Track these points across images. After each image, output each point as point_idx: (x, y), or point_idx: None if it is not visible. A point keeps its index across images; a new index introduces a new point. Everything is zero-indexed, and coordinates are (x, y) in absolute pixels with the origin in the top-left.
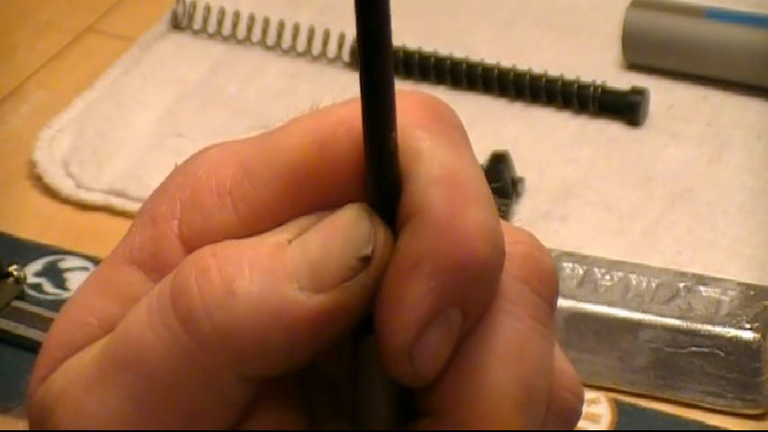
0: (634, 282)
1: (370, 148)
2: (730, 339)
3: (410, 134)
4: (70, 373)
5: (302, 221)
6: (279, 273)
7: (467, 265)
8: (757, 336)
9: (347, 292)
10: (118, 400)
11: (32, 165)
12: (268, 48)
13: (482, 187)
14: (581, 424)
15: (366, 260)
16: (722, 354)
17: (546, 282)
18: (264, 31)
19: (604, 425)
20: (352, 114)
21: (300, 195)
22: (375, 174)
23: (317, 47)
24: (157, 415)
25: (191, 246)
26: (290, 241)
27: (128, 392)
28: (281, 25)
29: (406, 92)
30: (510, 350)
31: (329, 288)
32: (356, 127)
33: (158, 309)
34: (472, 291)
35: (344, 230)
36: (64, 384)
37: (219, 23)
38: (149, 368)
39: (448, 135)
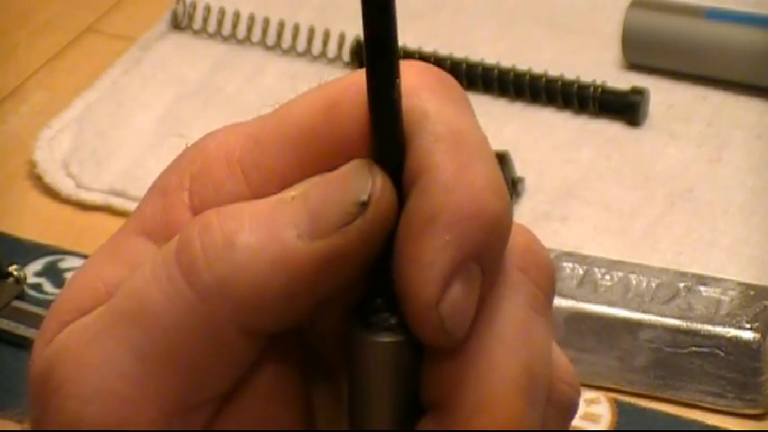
0: (634, 282)
1: (374, 94)
2: (730, 339)
3: (416, 94)
4: (73, 332)
5: (308, 181)
6: (279, 223)
7: (479, 216)
8: (757, 336)
9: (345, 237)
10: (119, 353)
11: (32, 165)
12: (268, 48)
13: (486, 145)
14: (581, 424)
15: (363, 205)
16: (722, 354)
17: (544, 273)
18: (264, 31)
19: (604, 425)
20: (360, 79)
21: (310, 161)
22: (379, 125)
23: (317, 47)
24: (159, 369)
25: None
26: (294, 197)
27: (129, 346)
28: (281, 25)
29: (411, 61)
30: (513, 336)
31: (327, 234)
32: (364, 90)
33: (162, 264)
34: (487, 243)
35: (343, 179)
36: (66, 341)
37: (219, 23)
38: (152, 321)
39: (452, 98)
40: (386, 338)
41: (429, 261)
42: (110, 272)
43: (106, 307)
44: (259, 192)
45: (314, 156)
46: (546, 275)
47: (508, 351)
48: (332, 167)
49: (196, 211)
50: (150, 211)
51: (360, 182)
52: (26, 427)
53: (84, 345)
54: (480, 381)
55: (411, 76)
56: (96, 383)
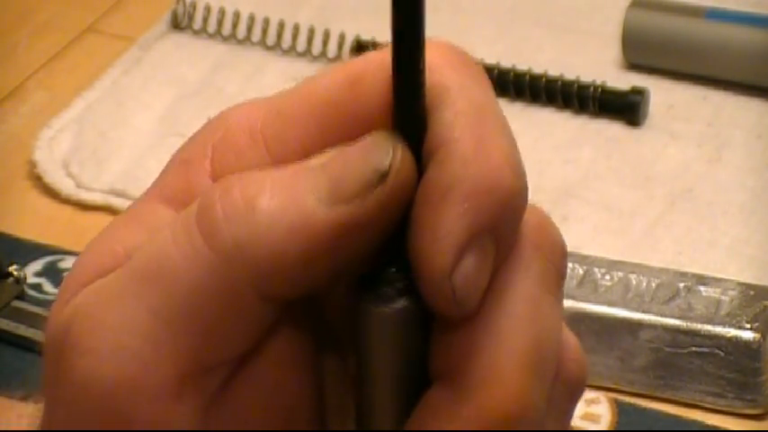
0: (634, 282)
1: (399, 64)
2: (730, 339)
3: (438, 71)
4: (91, 292)
5: (330, 150)
6: (299, 188)
7: (496, 191)
8: (757, 336)
9: (364, 204)
10: (137, 312)
11: (32, 165)
12: (268, 48)
13: (506, 123)
14: (581, 424)
15: (384, 175)
16: (722, 354)
17: (557, 252)
18: (264, 31)
19: (604, 425)
20: (384, 55)
21: (332, 133)
22: (401, 95)
23: (317, 47)
24: (176, 328)
25: None
26: (315, 165)
27: (147, 305)
28: (281, 25)
29: (433, 39)
30: (523, 311)
31: (347, 201)
32: (385, 64)
33: (183, 226)
34: (502, 217)
35: (364, 149)
36: (84, 301)
37: (219, 23)
38: (170, 281)
39: (473, 75)
40: (392, 307)
41: (444, 231)
42: (129, 236)
43: (125, 268)
44: (281, 162)
45: (336, 128)
46: (558, 254)
47: (517, 326)
48: (353, 140)
49: (217, 178)
50: (171, 179)
51: (381, 151)
52: (33, 429)
53: (101, 304)
54: (488, 354)
55: (433, 54)
56: (112, 341)
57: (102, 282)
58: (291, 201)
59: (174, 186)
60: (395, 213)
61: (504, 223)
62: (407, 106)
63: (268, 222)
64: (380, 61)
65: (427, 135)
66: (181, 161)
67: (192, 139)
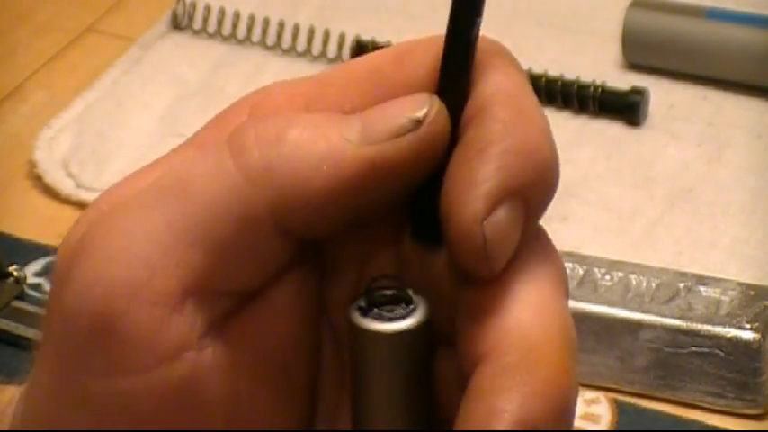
0: (634, 282)
1: (453, 29)
2: (730, 339)
3: (486, 56)
4: (110, 202)
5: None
6: (331, 126)
7: (532, 156)
8: (757, 336)
9: (393, 147)
10: (152, 220)
11: (32, 165)
12: (268, 48)
13: (542, 111)
14: (581, 424)
15: (417, 123)
16: (722, 354)
17: (562, 273)
18: (264, 31)
19: (604, 425)
20: (435, 37)
21: (373, 101)
22: (450, 59)
23: (317, 47)
24: (190, 241)
25: None
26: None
27: (164, 215)
28: (281, 25)
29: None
30: (553, 300)
31: (376, 141)
32: (435, 44)
33: (212, 144)
34: (535, 184)
35: (402, 101)
36: (101, 210)
37: (219, 23)
38: (192, 194)
39: (517, 67)
40: (389, 327)
41: (479, 180)
42: (154, 173)
43: (148, 183)
44: None
45: (377, 97)
46: (563, 278)
47: (551, 309)
48: None
49: None
50: (205, 131)
51: (417, 103)
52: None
53: (118, 212)
54: (531, 332)
55: (480, 42)
56: (124, 244)
57: (122, 193)
58: (321, 135)
59: (208, 135)
60: (424, 164)
61: (537, 191)
62: (454, 69)
63: (296, 150)
64: (429, 41)
65: (468, 104)
66: (216, 120)
67: (229, 105)
